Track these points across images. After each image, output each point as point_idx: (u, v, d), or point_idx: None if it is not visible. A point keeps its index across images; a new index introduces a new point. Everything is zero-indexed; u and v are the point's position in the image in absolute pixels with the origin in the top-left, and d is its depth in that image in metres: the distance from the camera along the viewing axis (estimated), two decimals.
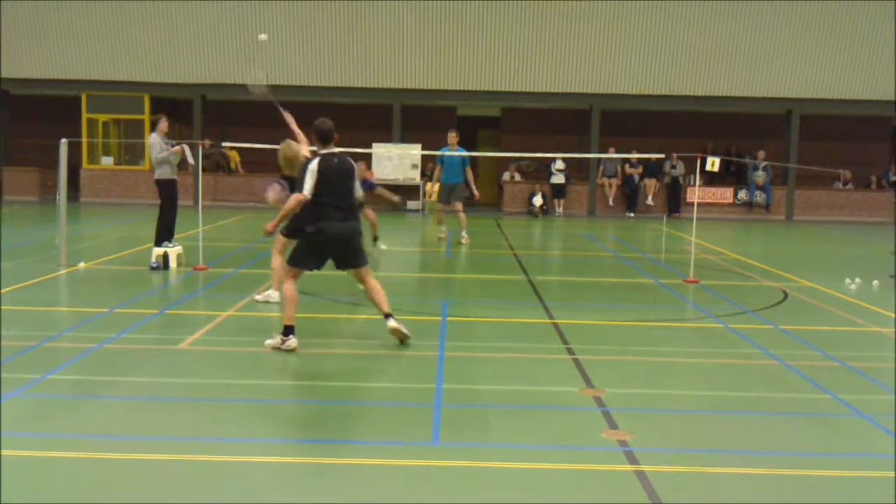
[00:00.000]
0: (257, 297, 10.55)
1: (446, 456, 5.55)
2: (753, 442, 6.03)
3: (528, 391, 7.13)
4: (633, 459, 5.52)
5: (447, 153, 16.76)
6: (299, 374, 7.51)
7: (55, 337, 8.49)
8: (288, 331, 8.14)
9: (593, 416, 6.44)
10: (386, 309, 8.44)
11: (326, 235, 8.14)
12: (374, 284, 8.48)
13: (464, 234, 16.99)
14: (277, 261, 10.18)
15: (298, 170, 8.70)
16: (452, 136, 16.85)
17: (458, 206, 16.88)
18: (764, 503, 5.00)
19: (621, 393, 7.01)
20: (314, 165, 8.14)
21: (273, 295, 10.36)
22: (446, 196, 16.94)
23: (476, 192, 16.95)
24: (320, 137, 8.29)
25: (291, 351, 8.08)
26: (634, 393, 7.09)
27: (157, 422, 6.15)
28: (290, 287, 8.29)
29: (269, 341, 8.22)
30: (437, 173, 17.09)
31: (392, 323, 8.41)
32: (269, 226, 8.48)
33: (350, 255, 8.39)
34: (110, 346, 8.12)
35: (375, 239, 15.33)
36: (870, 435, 6.24)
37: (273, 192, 9.89)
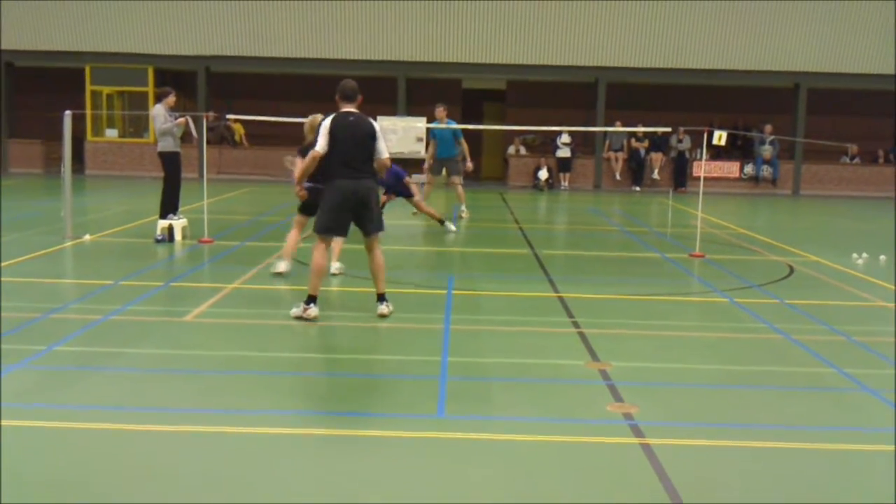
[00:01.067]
0: (273, 270, 10.47)
1: (451, 428, 5.56)
2: (758, 415, 6.03)
3: (533, 364, 7.14)
4: (637, 432, 5.52)
5: (438, 126, 16.75)
6: (304, 347, 7.52)
7: (60, 308, 8.50)
8: (310, 300, 8.17)
9: (598, 389, 6.44)
10: (380, 289, 8.40)
11: (339, 193, 8.07)
12: (379, 260, 8.41)
13: (463, 207, 16.94)
14: (294, 234, 10.23)
15: None
16: (440, 111, 16.80)
17: (456, 179, 16.81)
18: (768, 476, 5.00)
19: (626, 366, 7.01)
20: (326, 123, 8.13)
21: (279, 265, 10.33)
22: (438, 169, 16.94)
23: (469, 164, 16.94)
24: (342, 95, 8.26)
25: (312, 320, 8.10)
26: (639, 366, 7.09)
27: (162, 393, 6.16)
28: (316, 256, 8.25)
29: (293, 310, 8.24)
30: (431, 149, 17.01)
31: (382, 308, 8.38)
32: (297, 189, 8.64)
33: (363, 219, 8.28)
34: (115, 318, 8.13)
35: (452, 218, 15.45)
36: (874, 409, 6.23)
37: (297, 163, 9.85)
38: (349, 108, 8.25)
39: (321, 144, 8.07)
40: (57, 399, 5.93)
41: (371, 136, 8.17)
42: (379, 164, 8.28)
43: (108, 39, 25.58)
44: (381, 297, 8.45)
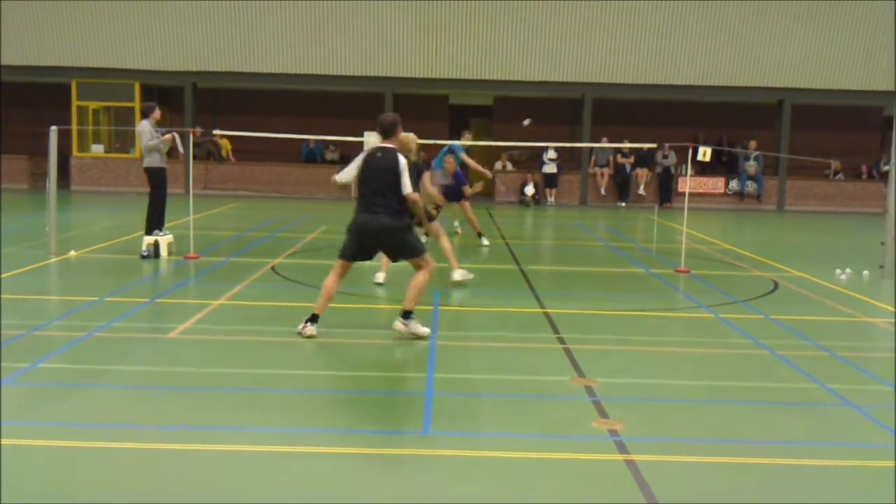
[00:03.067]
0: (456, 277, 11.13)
1: (437, 445, 5.56)
2: (743, 431, 6.05)
3: (519, 380, 7.14)
4: (623, 449, 5.53)
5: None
6: (290, 364, 7.50)
7: (45, 325, 8.46)
8: (313, 318, 8.33)
9: (584, 405, 6.45)
10: (407, 306, 8.42)
11: (356, 226, 8.35)
12: (419, 279, 8.40)
13: (457, 223, 16.99)
14: (447, 242, 11.31)
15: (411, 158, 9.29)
16: (468, 135, 17.34)
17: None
18: (753, 492, 5.02)
19: (612, 382, 7.02)
20: (360, 157, 8.43)
21: (459, 274, 11.11)
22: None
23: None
24: (379, 129, 8.43)
25: (308, 337, 8.17)
26: (625, 382, 7.10)
27: (147, 411, 6.13)
28: (330, 278, 8.43)
29: (299, 327, 8.40)
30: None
31: (398, 324, 8.41)
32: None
33: (395, 249, 8.49)
34: (100, 335, 8.09)
35: (479, 235, 15.51)
36: (859, 425, 6.26)
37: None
38: (384, 144, 8.38)
39: (344, 172, 8.49)
40: (42, 417, 5.89)
41: (393, 171, 8.22)
42: (408, 199, 8.34)
43: (95, 55, 25.55)
44: (404, 314, 8.42)
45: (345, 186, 8.66)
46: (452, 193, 14.83)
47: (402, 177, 8.22)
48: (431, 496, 4.82)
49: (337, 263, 8.46)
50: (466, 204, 15.38)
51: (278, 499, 4.74)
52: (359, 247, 8.42)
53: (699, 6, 25.45)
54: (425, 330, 8.35)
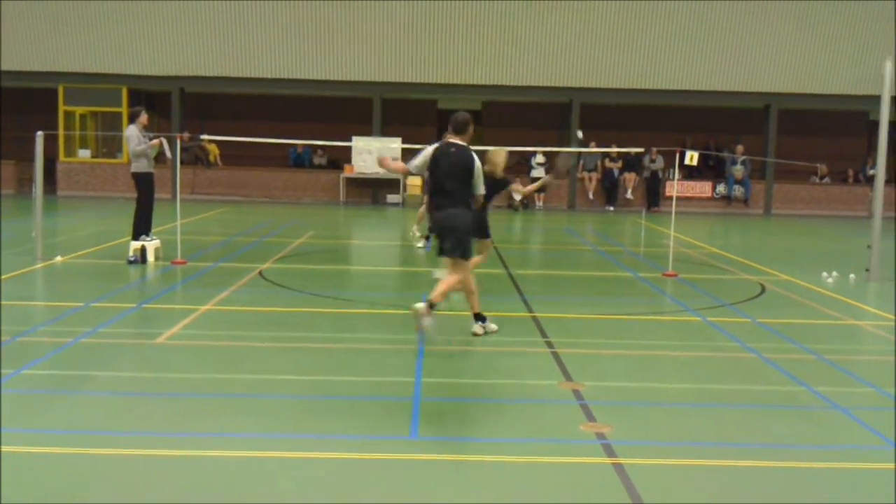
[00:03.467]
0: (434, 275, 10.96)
1: (425, 449, 5.55)
2: (731, 434, 6.06)
3: (506, 385, 7.15)
4: (610, 452, 5.53)
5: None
6: (278, 369, 7.48)
7: (30, 331, 8.41)
8: (477, 317, 8.66)
9: (572, 409, 6.45)
10: (476, 309, 8.68)
11: (433, 224, 8.63)
12: (451, 279, 8.50)
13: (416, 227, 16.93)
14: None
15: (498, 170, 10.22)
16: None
17: None
18: (741, 495, 5.03)
19: (600, 386, 7.03)
20: (430, 148, 8.51)
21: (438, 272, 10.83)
22: None
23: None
24: (452, 127, 8.53)
25: (494, 332, 8.64)
26: (613, 386, 7.11)
27: (134, 417, 6.10)
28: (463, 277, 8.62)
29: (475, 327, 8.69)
30: None
31: (476, 327, 8.64)
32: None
33: (454, 243, 8.47)
34: (87, 341, 8.05)
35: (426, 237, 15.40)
36: (845, 426, 6.29)
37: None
38: (455, 140, 8.46)
39: (413, 162, 8.54)
40: (28, 424, 5.85)
41: (467, 169, 8.35)
42: (477, 199, 8.58)
43: (82, 59, 25.45)
44: (476, 317, 8.68)
45: (406, 173, 8.78)
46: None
47: (474, 175, 8.39)
48: (420, 500, 4.81)
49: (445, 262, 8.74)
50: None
51: (268, 502, 4.72)
52: (440, 242, 8.62)
53: (686, 11, 25.54)
54: (494, 327, 8.76)
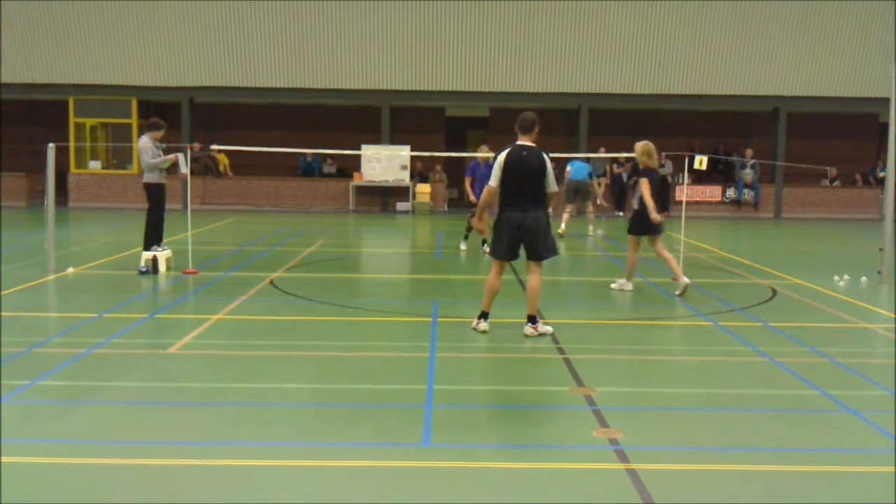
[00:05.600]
0: (612, 286, 11.78)
1: (437, 457, 5.56)
2: (744, 438, 6.05)
3: (518, 391, 7.15)
4: (623, 458, 5.53)
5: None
6: (290, 377, 7.50)
7: (44, 343, 8.46)
8: (482, 315, 8.98)
9: (584, 414, 6.45)
10: (530, 310, 8.86)
11: (507, 223, 8.63)
12: (535, 283, 8.80)
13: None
14: (633, 255, 11.76)
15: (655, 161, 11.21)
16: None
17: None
18: (755, 499, 5.02)
19: (612, 391, 7.03)
20: (501, 157, 8.61)
21: (627, 284, 11.60)
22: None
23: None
24: (520, 127, 8.73)
25: (483, 332, 8.88)
26: (625, 391, 7.11)
27: (147, 426, 6.13)
28: (491, 277, 8.95)
29: (473, 323, 9.04)
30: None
31: (527, 329, 8.83)
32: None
33: (532, 245, 8.71)
34: (99, 352, 8.09)
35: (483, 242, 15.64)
36: (858, 430, 6.27)
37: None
38: (525, 141, 8.68)
39: (495, 178, 8.62)
40: (43, 434, 5.89)
41: (541, 171, 8.58)
42: (550, 196, 8.78)
43: (92, 71, 25.62)
44: (530, 318, 8.88)
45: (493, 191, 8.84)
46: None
47: (548, 176, 8.60)
48: None
49: (495, 263, 8.90)
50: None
51: None
52: (508, 246, 8.71)
53: (693, 16, 25.54)
54: (549, 329, 8.93)
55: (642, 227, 11.60)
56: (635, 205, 11.68)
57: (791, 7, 25.47)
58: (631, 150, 12.46)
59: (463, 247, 16.04)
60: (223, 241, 17.42)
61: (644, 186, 11.48)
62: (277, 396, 6.93)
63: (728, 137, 27.88)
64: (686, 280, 11.40)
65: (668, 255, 11.66)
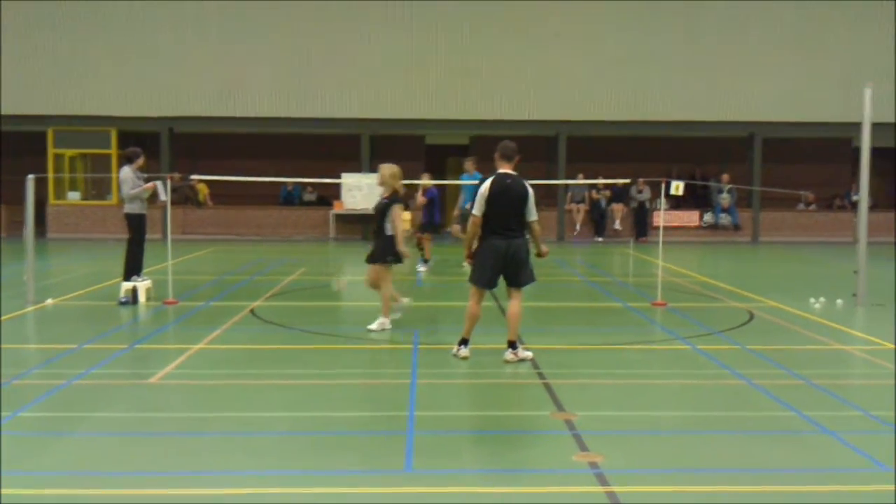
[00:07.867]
0: (370, 326, 10.79)
1: (420, 482, 5.58)
2: (723, 460, 6.11)
3: (499, 416, 7.19)
4: (603, 481, 5.58)
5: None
6: (271, 406, 7.51)
7: (23, 374, 8.42)
8: (462, 342, 9.03)
9: (564, 439, 6.50)
10: (510, 336, 8.92)
11: (491, 251, 8.67)
12: (515, 309, 8.88)
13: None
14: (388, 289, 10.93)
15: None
16: (469, 163, 17.83)
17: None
18: None
19: (591, 416, 7.09)
20: (485, 186, 8.67)
21: (385, 322, 10.83)
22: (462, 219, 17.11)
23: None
24: (502, 155, 8.87)
25: (464, 359, 8.90)
26: (605, 415, 7.17)
27: (129, 457, 6.12)
28: (472, 304, 8.99)
29: (453, 350, 9.09)
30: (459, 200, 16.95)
31: (508, 355, 8.88)
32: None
33: (514, 273, 8.81)
34: (80, 383, 8.07)
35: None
36: (836, 450, 6.35)
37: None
38: (507, 170, 8.79)
39: (479, 208, 8.64)
40: (25, 466, 5.86)
41: (523, 199, 8.71)
42: (532, 225, 8.88)
43: (71, 103, 25.59)
44: (510, 344, 8.93)
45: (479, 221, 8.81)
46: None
47: (529, 204, 8.74)
48: None
49: (473, 290, 8.94)
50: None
51: None
52: (491, 273, 8.78)
53: (670, 44, 25.91)
54: (529, 353, 8.98)
55: (380, 255, 10.74)
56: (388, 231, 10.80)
57: (766, 35, 25.91)
58: (610, 176, 12.52)
59: (421, 268, 16.51)
60: (204, 271, 17.40)
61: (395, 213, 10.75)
62: (259, 425, 6.94)
63: (705, 163, 28.17)
64: (386, 320, 10.76)
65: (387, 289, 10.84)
